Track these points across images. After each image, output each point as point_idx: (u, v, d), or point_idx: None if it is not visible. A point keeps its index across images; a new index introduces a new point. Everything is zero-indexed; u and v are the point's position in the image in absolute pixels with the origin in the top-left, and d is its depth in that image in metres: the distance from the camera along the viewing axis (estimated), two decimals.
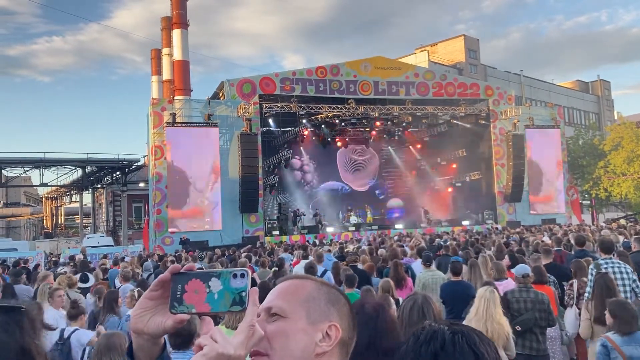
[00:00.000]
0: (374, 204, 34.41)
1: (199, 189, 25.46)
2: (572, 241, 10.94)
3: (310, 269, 7.88)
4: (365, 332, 2.31)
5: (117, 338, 3.96)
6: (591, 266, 6.92)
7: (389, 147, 35.44)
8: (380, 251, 11.72)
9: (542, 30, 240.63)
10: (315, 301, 1.31)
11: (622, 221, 28.85)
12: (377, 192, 36.19)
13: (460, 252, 10.45)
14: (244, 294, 1.13)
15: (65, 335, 4.76)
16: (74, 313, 5.12)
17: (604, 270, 6.43)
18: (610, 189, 38.60)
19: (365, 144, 34.76)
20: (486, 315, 4.59)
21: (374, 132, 33.04)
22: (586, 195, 41.76)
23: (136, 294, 6.25)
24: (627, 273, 6.77)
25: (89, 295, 8.67)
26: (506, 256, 8.94)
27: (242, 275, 1.15)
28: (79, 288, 8.78)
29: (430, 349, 1.15)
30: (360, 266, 8.87)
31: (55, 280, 8.46)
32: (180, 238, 23.73)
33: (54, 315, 5.61)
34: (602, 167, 38.93)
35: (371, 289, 6.12)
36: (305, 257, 10.48)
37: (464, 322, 4.58)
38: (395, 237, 19.09)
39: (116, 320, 5.74)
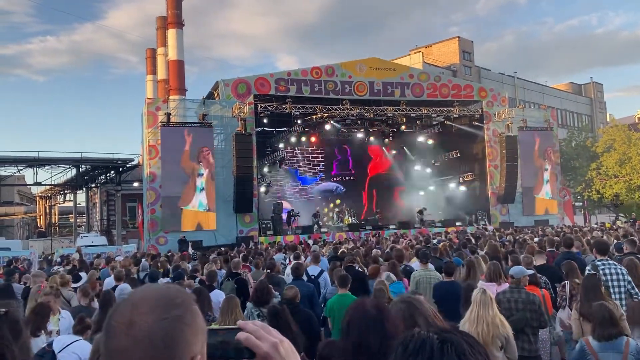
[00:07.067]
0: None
1: (193, 187, 25.40)
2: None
3: (296, 270, 7.97)
4: (375, 334, 2.29)
5: None
6: (588, 267, 6.99)
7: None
8: (375, 251, 11.69)
9: (535, 33, 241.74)
10: None
11: (617, 222, 29.05)
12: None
13: (454, 253, 10.48)
14: None
15: (57, 348, 4.40)
16: (80, 329, 5.03)
17: (600, 272, 6.51)
18: (602, 190, 38.80)
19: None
20: (477, 318, 4.60)
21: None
22: (578, 197, 41.97)
23: None
24: (622, 274, 6.84)
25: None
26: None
27: None
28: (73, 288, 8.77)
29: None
30: (357, 267, 8.92)
31: (48, 279, 8.48)
32: (180, 238, 23.68)
33: None
34: (594, 169, 39.13)
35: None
36: (297, 257, 10.57)
37: (460, 325, 4.61)
38: (391, 239, 19.09)
39: None
